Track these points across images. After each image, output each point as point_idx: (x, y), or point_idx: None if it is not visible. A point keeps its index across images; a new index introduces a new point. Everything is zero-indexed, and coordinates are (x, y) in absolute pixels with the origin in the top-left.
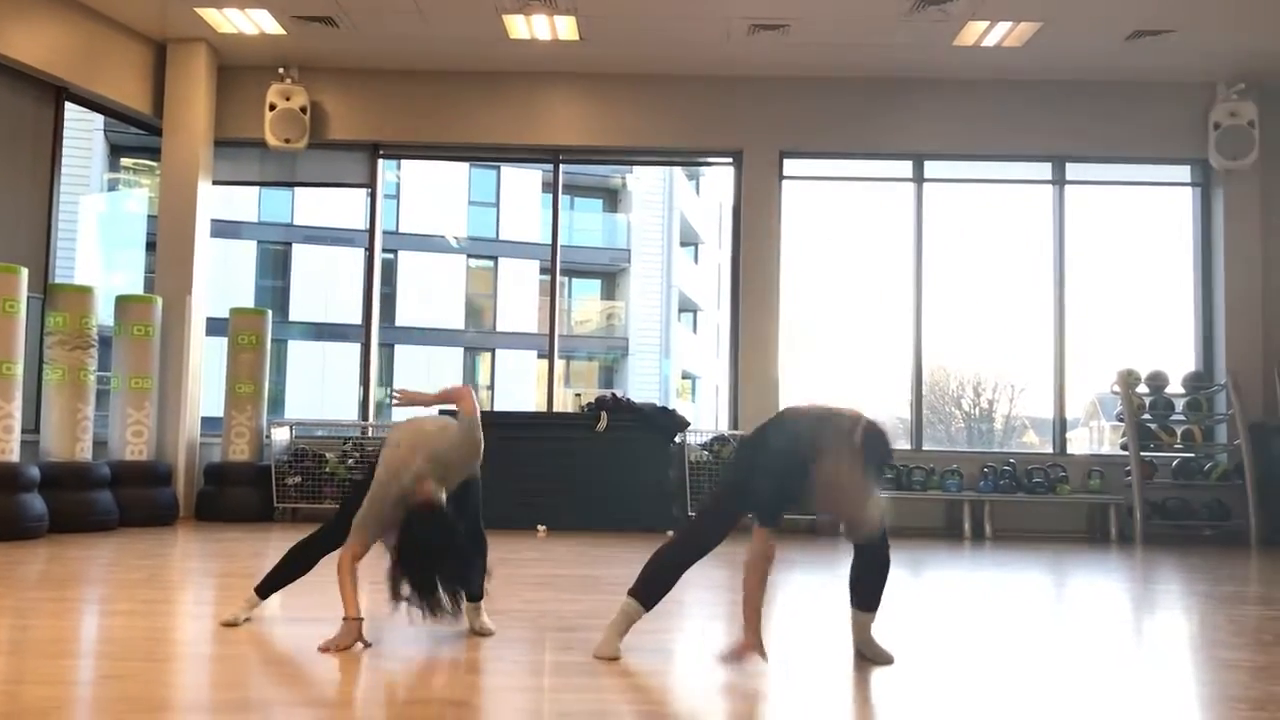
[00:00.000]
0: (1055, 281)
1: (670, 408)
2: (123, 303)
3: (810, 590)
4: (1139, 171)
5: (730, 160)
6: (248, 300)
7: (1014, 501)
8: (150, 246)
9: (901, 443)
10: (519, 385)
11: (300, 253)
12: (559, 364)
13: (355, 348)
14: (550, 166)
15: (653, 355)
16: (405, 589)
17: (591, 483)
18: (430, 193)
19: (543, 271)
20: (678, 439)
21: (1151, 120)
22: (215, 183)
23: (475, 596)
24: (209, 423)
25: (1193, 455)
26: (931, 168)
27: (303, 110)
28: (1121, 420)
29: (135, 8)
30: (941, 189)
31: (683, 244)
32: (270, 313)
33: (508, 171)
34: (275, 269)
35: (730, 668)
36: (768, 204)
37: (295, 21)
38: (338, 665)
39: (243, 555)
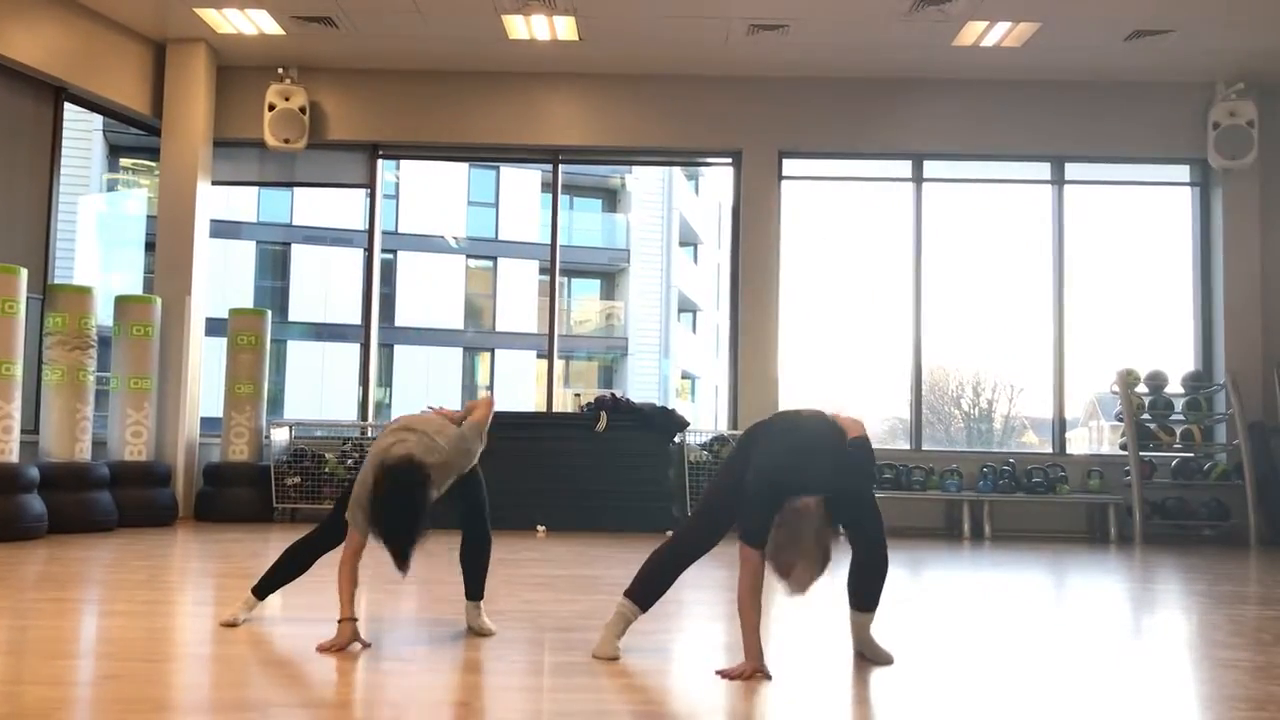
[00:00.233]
0: (1054, 281)
1: (670, 408)
2: (122, 303)
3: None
4: (1138, 171)
5: (729, 160)
6: (247, 300)
7: (1013, 501)
8: (149, 247)
9: (900, 442)
10: (518, 385)
11: (299, 253)
12: (558, 364)
13: (354, 348)
14: (549, 166)
15: (652, 355)
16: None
17: (591, 483)
18: (429, 193)
19: (542, 271)
20: (677, 439)
21: (1150, 120)
22: (214, 183)
23: (475, 596)
24: (208, 423)
25: (1192, 455)
26: (931, 168)
27: (302, 110)
28: (1121, 420)
29: (134, 8)
30: (941, 189)
31: (682, 244)
32: (269, 313)
33: (507, 172)
34: (274, 269)
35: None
36: (767, 204)
37: (294, 22)
38: (337, 666)
39: (242, 556)
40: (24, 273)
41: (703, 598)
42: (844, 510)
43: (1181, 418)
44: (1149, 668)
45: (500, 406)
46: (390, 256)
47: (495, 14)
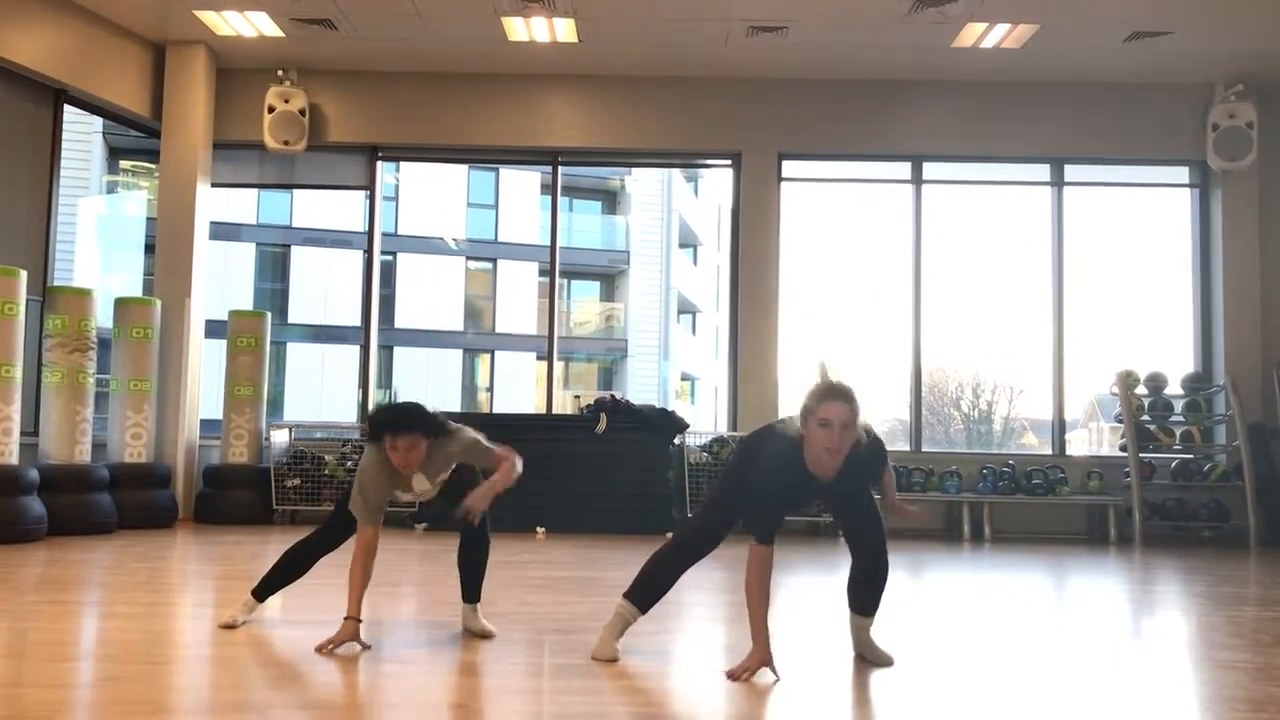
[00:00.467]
0: (1054, 283)
1: (669, 409)
2: (122, 305)
3: (809, 591)
4: (1137, 173)
5: (729, 162)
6: (247, 302)
7: (1013, 503)
8: (149, 249)
9: (900, 444)
10: (518, 387)
11: (299, 255)
12: (558, 366)
13: (354, 350)
14: (549, 168)
15: (652, 357)
16: None
17: (590, 485)
18: (429, 195)
19: (542, 273)
20: (677, 441)
21: (1150, 122)
22: (214, 185)
23: (472, 599)
24: (208, 425)
25: (1192, 456)
26: (930, 169)
27: (301, 113)
28: (1120, 421)
29: (134, 10)
30: (940, 190)
31: (682, 246)
32: (269, 315)
33: (506, 173)
34: (274, 271)
35: (744, 684)
36: (766, 206)
37: (294, 24)
38: (336, 667)
39: (241, 558)
40: (24, 275)
41: (702, 599)
42: (846, 511)
43: (1181, 419)
44: (1149, 669)
45: (500, 408)
46: (390, 258)
47: (495, 16)
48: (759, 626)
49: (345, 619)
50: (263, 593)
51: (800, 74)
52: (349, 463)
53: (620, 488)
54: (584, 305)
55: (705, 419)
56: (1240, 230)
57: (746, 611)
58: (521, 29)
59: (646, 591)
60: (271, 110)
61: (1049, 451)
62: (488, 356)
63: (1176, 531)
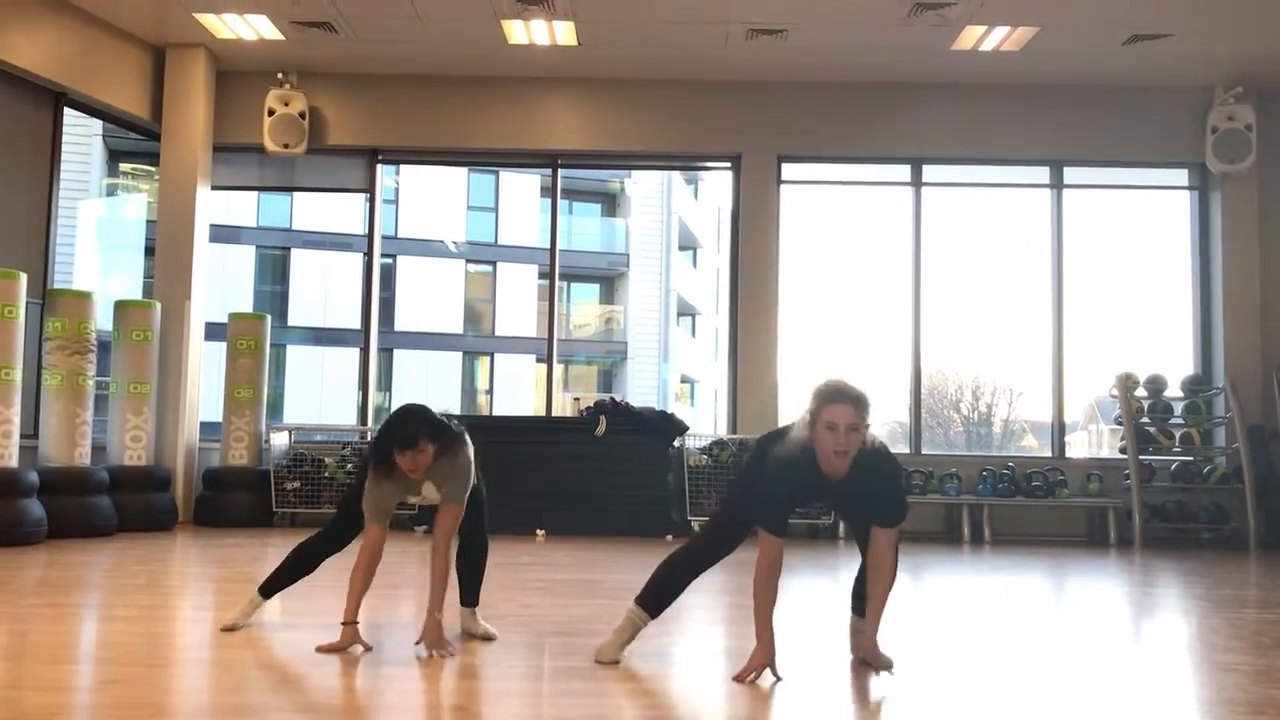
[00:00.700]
0: (1053, 285)
1: (669, 412)
2: (121, 308)
3: (810, 594)
4: (1137, 175)
5: (729, 165)
6: (246, 305)
7: (1013, 505)
8: (149, 251)
9: (900, 446)
10: (518, 390)
11: (299, 258)
12: (558, 368)
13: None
14: (549, 171)
15: (651, 359)
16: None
17: (590, 487)
18: (429, 198)
19: (541, 276)
20: (676, 443)
21: (1149, 124)
22: (214, 188)
23: (469, 602)
24: (208, 428)
25: (1191, 458)
26: (930, 172)
27: (301, 115)
28: (1120, 424)
29: (134, 13)
30: (940, 193)
31: (681, 248)
32: (269, 318)
33: (506, 176)
34: (274, 274)
35: (745, 686)
36: (766, 208)
37: (294, 27)
38: (337, 670)
39: (241, 560)
40: (23, 277)
41: (703, 602)
42: (856, 512)
43: (1181, 421)
44: (1149, 671)
45: (499, 411)
46: (390, 261)
47: (494, 19)
48: (763, 625)
49: (343, 625)
50: (268, 590)
51: (800, 76)
52: (349, 465)
53: (620, 490)
54: (584, 308)
55: (705, 421)
56: (1239, 232)
57: (748, 613)
58: (521, 32)
59: (658, 596)
60: (271, 113)
61: (1049, 454)
62: (487, 359)
63: (1176, 534)
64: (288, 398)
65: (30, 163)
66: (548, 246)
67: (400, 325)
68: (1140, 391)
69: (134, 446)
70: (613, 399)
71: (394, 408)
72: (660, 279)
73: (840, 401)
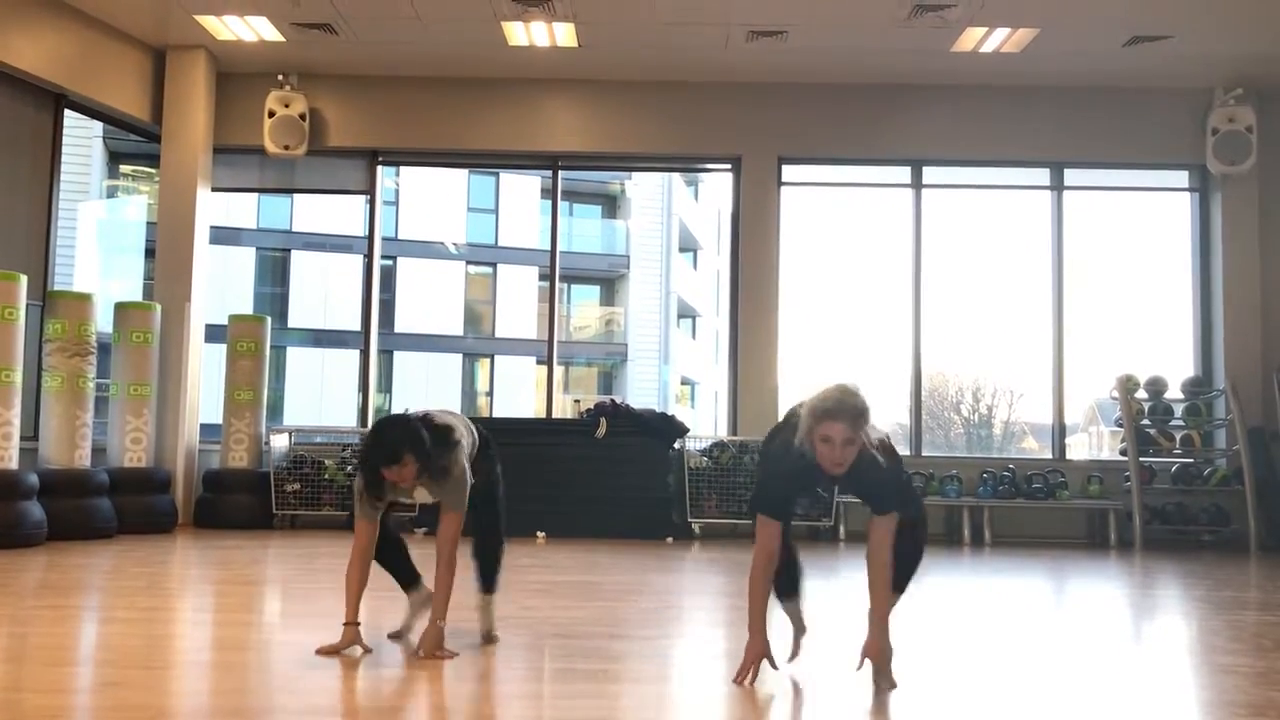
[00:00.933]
0: (1054, 287)
1: (669, 414)
2: (122, 309)
3: (811, 595)
4: (1137, 177)
5: (729, 166)
6: (247, 307)
7: (1013, 507)
8: (149, 253)
9: (900, 448)
10: (518, 391)
11: (299, 259)
12: (558, 370)
13: (354, 354)
14: (549, 173)
15: (652, 361)
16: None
17: (591, 489)
18: (429, 199)
19: (542, 278)
20: (677, 445)
21: (1149, 126)
22: (214, 189)
23: (483, 589)
24: (208, 429)
25: (1192, 460)
26: (930, 173)
27: (302, 117)
28: (1120, 425)
29: (134, 15)
30: (940, 195)
31: (681, 250)
32: (269, 319)
33: (506, 178)
34: (274, 276)
35: (745, 684)
36: (766, 210)
37: (294, 29)
38: (337, 672)
39: (241, 562)
40: (24, 279)
41: (702, 604)
42: (868, 497)
43: (1181, 423)
44: (1149, 673)
45: (500, 413)
46: (390, 263)
47: (495, 21)
48: (757, 615)
49: (344, 625)
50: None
51: (800, 78)
52: (349, 467)
53: (620, 492)
54: (584, 309)
55: (705, 423)
56: (1240, 234)
57: (746, 614)
58: (521, 34)
59: (777, 582)
60: (272, 115)
61: (1049, 455)
62: (488, 361)
63: (1177, 536)
64: (288, 400)
65: (30, 164)
66: (548, 248)
67: (400, 327)
68: (1141, 393)
69: (134, 448)
70: (613, 401)
71: (390, 412)
72: (660, 281)
73: (836, 419)
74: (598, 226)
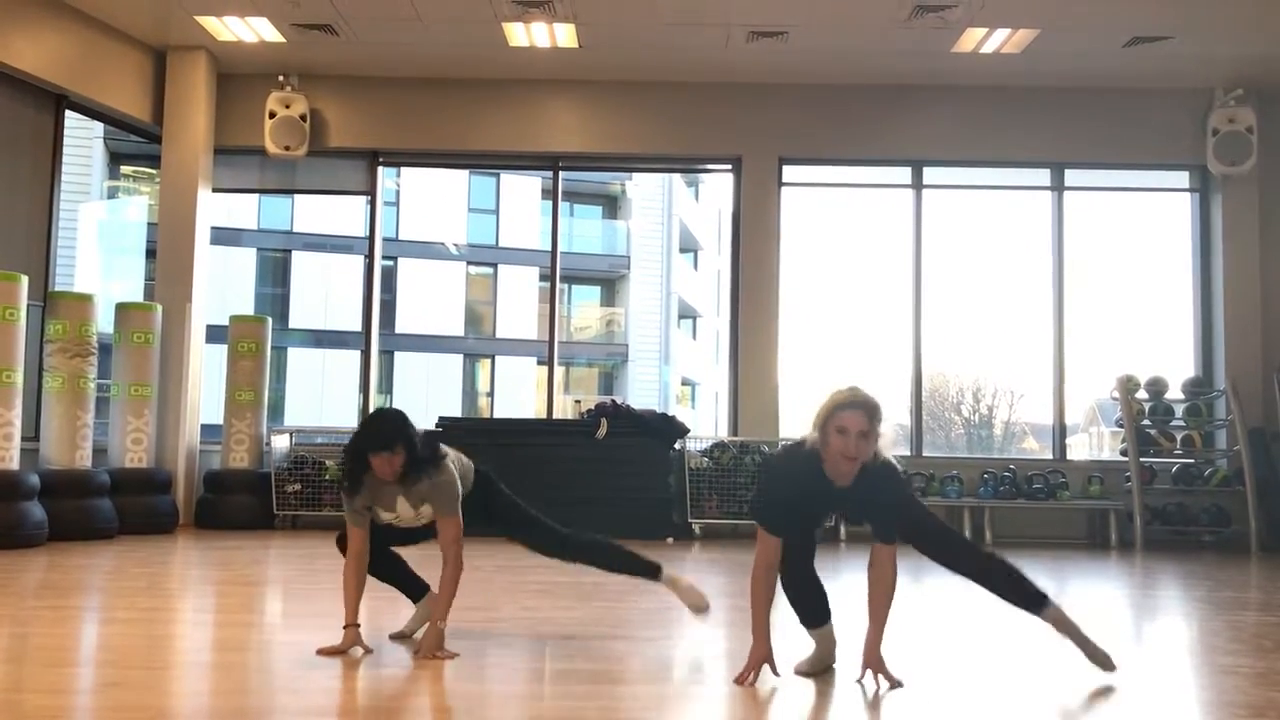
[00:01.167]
0: (1054, 287)
1: (670, 414)
2: (123, 310)
3: None
4: (1138, 177)
5: (729, 167)
6: (247, 307)
7: (1014, 507)
8: (150, 254)
9: (901, 449)
10: (519, 392)
11: (300, 260)
12: (559, 370)
13: (355, 355)
14: (550, 173)
15: (652, 362)
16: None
17: (591, 490)
18: (430, 200)
19: (542, 278)
20: (678, 446)
21: (1150, 126)
22: (215, 190)
23: (652, 575)
24: (209, 430)
25: (1192, 461)
26: (931, 174)
27: (302, 118)
28: (1121, 426)
29: (135, 16)
30: (940, 195)
31: (682, 250)
32: (270, 320)
33: (507, 178)
34: (275, 276)
35: (745, 686)
36: (767, 210)
37: (295, 29)
38: (337, 673)
39: (242, 563)
40: (25, 280)
41: None
42: (873, 521)
43: (1182, 423)
44: (1150, 674)
45: (500, 413)
46: (391, 263)
47: (495, 21)
48: (760, 621)
49: (345, 627)
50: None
51: (800, 79)
52: None
53: (621, 493)
54: (584, 310)
55: (706, 424)
56: (1240, 234)
57: (748, 616)
58: (522, 34)
59: (798, 610)
60: (272, 115)
61: (1049, 456)
62: (488, 361)
63: (1177, 536)
64: (288, 400)
65: (31, 165)
66: (549, 249)
67: (401, 328)
68: (1141, 394)
69: (135, 449)
70: (614, 401)
71: (377, 408)
72: (661, 281)
73: (853, 407)
74: (598, 227)
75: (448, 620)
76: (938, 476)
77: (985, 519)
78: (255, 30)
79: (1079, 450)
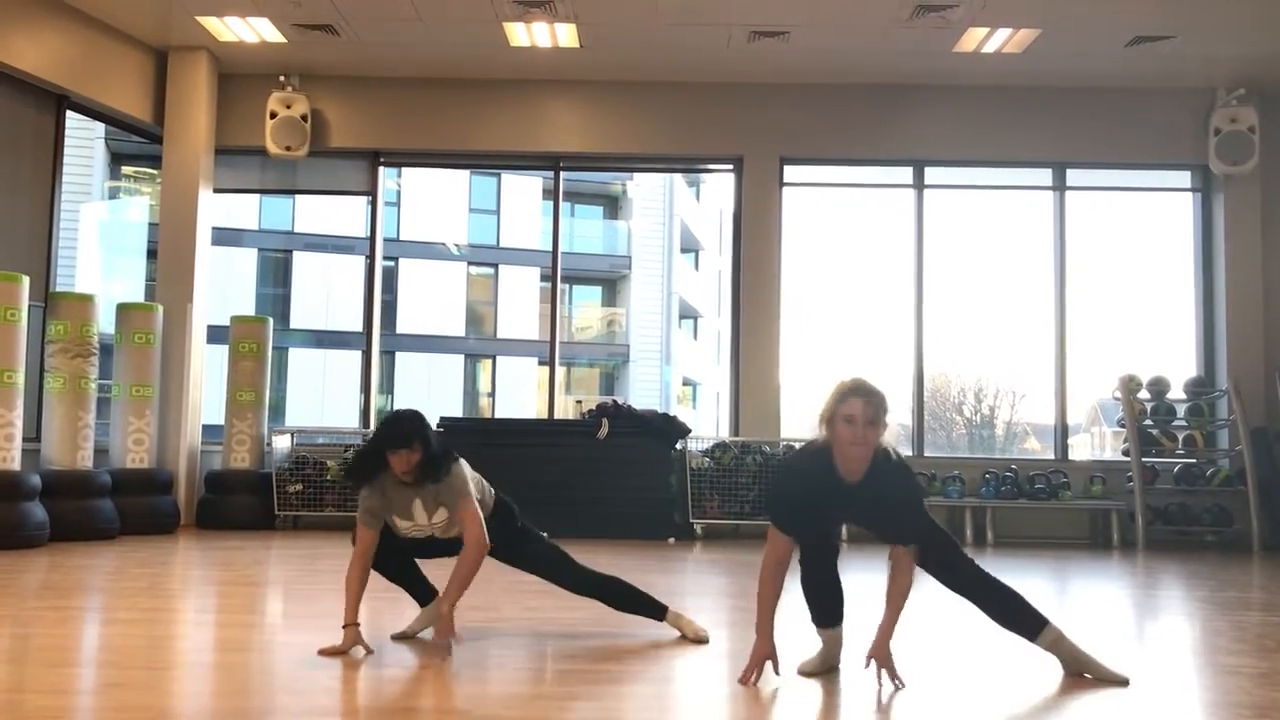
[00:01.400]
0: (1056, 287)
1: (671, 415)
2: (124, 311)
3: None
4: (1140, 177)
5: (730, 167)
6: (249, 308)
7: (1016, 507)
8: (151, 254)
9: (902, 449)
10: (520, 392)
11: (301, 260)
12: (560, 371)
13: (356, 355)
14: (551, 173)
15: (654, 362)
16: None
17: (592, 490)
18: (431, 200)
19: (543, 278)
20: (679, 446)
21: (1152, 126)
22: (216, 190)
23: (657, 615)
24: (210, 430)
25: (1195, 461)
26: (932, 174)
27: (303, 118)
28: (1123, 426)
29: (136, 16)
30: (942, 195)
31: (683, 250)
32: (271, 320)
33: (508, 179)
34: (276, 277)
35: (749, 686)
36: (768, 210)
37: (296, 30)
38: (339, 673)
39: (243, 563)
40: (26, 280)
41: (704, 604)
42: (886, 527)
43: (1184, 423)
44: (1152, 674)
45: (501, 414)
46: (392, 264)
47: (496, 21)
48: (764, 619)
49: (344, 627)
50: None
51: (802, 78)
52: None
53: (622, 493)
54: (585, 310)
55: (707, 424)
56: (1242, 234)
57: (750, 616)
58: (523, 34)
59: (812, 609)
60: (273, 116)
61: (1051, 456)
62: (489, 362)
63: (1179, 536)
64: (290, 400)
65: (32, 166)
66: (550, 249)
67: (402, 328)
68: (1143, 394)
69: (136, 449)
70: (615, 401)
71: (395, 409)
72: (662, 281)
73: (859, 395)
74: (599, 227)
75: (456, 606)
76: (939, 476)
77: (987, 519)
78: (256, 30)
79: (1081, 450)
